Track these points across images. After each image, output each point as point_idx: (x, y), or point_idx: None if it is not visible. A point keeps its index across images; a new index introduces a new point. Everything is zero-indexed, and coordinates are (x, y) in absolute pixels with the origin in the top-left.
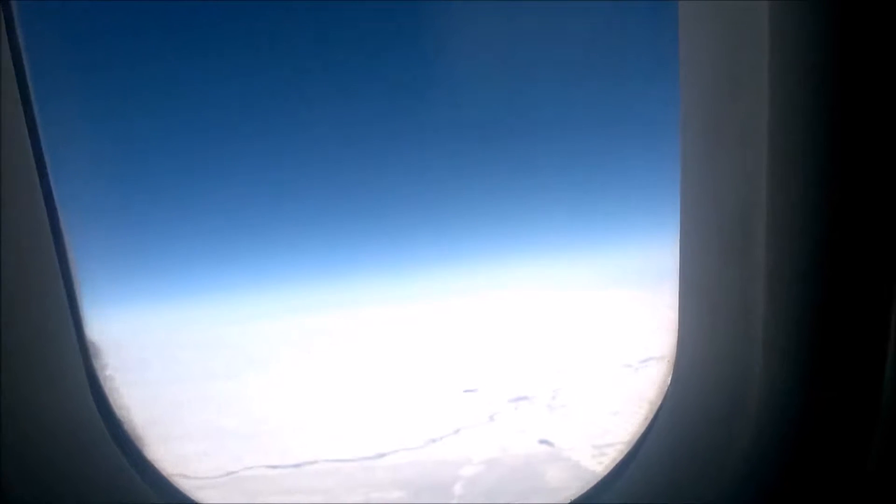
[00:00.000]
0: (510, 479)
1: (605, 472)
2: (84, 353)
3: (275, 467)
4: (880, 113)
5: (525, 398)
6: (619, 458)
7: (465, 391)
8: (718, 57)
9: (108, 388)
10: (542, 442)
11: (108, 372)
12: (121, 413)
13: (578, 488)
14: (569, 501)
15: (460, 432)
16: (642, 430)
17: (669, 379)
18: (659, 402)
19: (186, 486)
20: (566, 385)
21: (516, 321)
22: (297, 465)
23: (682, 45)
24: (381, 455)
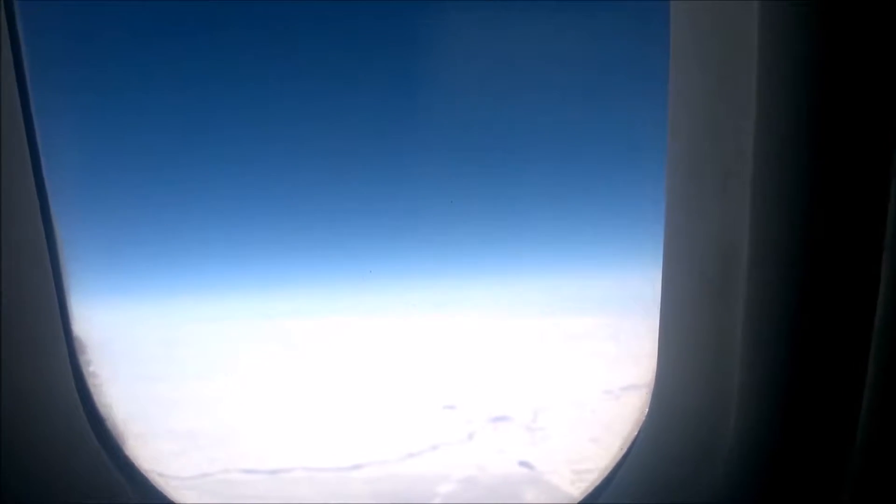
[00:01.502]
0: (488, 498)
1: (579, 501)
2: (70, 348)
3: (250, 472)
4: (866, 143)
5: (505, 418)
6: (595, 484)
7: (445, 407)
8: (707, 70)
9: (92, 384)
10: (522, 464)
11: (93, 368)
12: (104, 410)
13: None
14: None
15: (439, 448)
16: (618, 458)
17: (647, 407)
18: (636, 431)
19: (166, 485)
20: (546, 408)
21: (500, 341)
22: (272, 472)
23: (673, 45)
24: (358, 466)
